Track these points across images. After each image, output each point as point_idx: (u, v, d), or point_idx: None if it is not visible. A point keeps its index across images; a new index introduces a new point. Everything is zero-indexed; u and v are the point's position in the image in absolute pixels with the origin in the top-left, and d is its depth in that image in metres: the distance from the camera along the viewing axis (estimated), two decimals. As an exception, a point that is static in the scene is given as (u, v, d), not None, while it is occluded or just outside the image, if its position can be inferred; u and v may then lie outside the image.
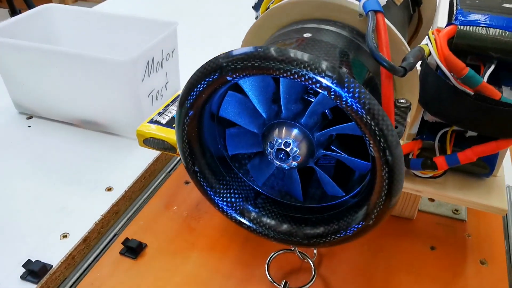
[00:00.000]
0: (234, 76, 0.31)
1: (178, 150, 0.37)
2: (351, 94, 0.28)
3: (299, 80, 0.29)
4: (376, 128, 0.29)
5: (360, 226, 0.34)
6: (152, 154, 0.62)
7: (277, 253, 0.48)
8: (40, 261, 0.46)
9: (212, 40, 0.97)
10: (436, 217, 0.55)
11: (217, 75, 0.31)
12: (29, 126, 0.68)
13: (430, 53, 0.38)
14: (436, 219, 0.54)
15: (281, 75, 0.29)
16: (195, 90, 0.33)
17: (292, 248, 0.47)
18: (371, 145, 0.30)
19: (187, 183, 0.59)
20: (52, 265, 0.46)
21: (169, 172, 0.62)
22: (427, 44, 0.38)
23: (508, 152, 0.66)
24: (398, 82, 0.40)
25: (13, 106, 0.70)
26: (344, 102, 0.29)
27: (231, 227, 0.53)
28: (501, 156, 0.45)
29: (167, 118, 0.50)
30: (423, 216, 0.55)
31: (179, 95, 0.39)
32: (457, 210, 0.55)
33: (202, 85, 0.32)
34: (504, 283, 0.47)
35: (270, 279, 0.45)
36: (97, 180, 0.58)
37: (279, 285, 0.44)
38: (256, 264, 0.48)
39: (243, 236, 0.52)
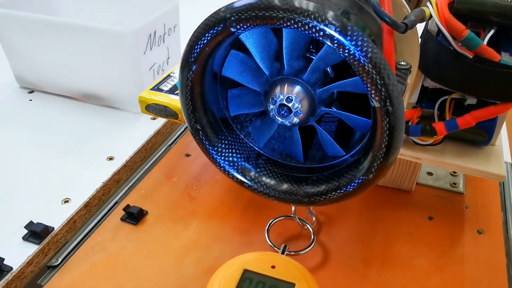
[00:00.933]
0: (238, 27, 0.31)
1: (181, 107, 0.38)
2: (354, 42, 0.29)
3: (302, 29, 0.29)
4: (378, 77, 0.29)
5: (360, 181, 0.34)
6: (153, 127, 0.63)
7: (277, 219, 0.48)
8: (42, 223, 0.46)
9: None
10: (434, 190, 0.55)
11: (221, 27, 0.32)
12: (30, 100, 0.68)
13: (430, 16, 0.38)
14: (435, 192, 0.55)
15: (284, 25, 0.30)
16: (199, 43, 0.33)
17: (292, 215, 0.48)
18: (373, 95, 0.30)
19: (187, 155, 0.60)
20: (54, 227, 0.46)
21: (170, 145, 0.63)
22: (428, 7, 0.39)
23: (504, 127, 0.67)
24: (399, 46, 0.40)
25: (15, 81, 0.70)
26: (347, 51, 0.29)
27: (231, 197, 0.53)
28: (499, 124, 0.45)
29: (169, 86, 0.50)
30: (422, 188, 0.55)
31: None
32: (455, 184, 0.56)
33: (206, 38, 0.33)
34: (500, 251, 0.48)
35: (270, 243, 0.46)
36: (98, 150, 0.58)
37: (279, 249, 0.45)
38: (256, 231, 0.49)
39: (242, 205, 0.52)
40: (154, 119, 0.64)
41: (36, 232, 0.45)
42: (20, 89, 0.71)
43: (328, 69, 0.36)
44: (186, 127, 0.67)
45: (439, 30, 0.39)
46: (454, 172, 0.57)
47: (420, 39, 0.42)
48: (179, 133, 0.65)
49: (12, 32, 0.64)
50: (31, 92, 0.70)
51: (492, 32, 0.39)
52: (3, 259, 0.42)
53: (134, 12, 0.69)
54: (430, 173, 0.57)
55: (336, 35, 0.29)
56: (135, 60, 0.60)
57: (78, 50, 0.61)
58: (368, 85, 0.30)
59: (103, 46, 0.59)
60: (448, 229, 0.50)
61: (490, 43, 0.39)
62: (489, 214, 0.52)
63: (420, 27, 0.41)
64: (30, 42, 0.64)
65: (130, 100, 0.63)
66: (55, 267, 0.45)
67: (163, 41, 0.64)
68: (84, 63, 0.62)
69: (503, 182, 0.57)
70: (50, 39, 0.62)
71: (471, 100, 0.44)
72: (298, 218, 0.48)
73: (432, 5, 0.38)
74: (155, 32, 0.62)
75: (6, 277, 0.42)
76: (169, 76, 0.53)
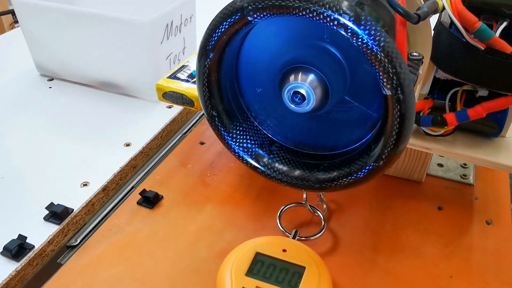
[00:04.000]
0: (255, 16, 0.32)
1: (198, 94, 0.39)
2: (367, 31, 0.30)
3: (317, 18, 0.30)
4: (390, 66, 0.30)
5: (371, 167, 0.35)
6: (169, 115, 0.64)
7: (288, 206, 0.49)
8: (62, 204, 0.48)
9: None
10: (444, 181, 0.56)
11: (238, 16, 0.33)
12: (50, 87, 0.70)
13: (443, 8, 0.39)
14: (445, 183, 0.56)
15: (300, 14, 0.31)
16: (217, 31, 0.34)
17: (304, 202, 0.49)
18: (384, 83, 0.31)
19: (202, 143, 0.61)
20: (73, 209, 0.48)
21: (185, 133, 0.64)
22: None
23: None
24: (412, 37, 0.41)
25: (35, 68, 0.72)
26: (360, 40, 0.30)
27: (244, 184, 0.55)
28: (510, 116, 0.46)
29: (186, 75, 0.52)
30: (432, 179, 0.56)
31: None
32: (465, 175, 0.56)
33: (223, 26, 0.34)
34: (509, 241, 0.48)
35: (281, 228, 0.47)
36: (116, 136, 0.60)
37: (290, 234, 0.46)
38: (268, 218, 0.50)
39: (255, 192, 0.53)
40: (170, 107, 0.66)
41: (56, 213, 0.47)
42: (40, 77, 0.73)
43: (342, 58, 0.37)
44: (201, 116, 0.68)
45: (452, 22, 0.40)
46: (465, 164, 0.58)
47: (433, 31, 0.42)
48: (193, 122, 0.66)
49: (33, 20, 0.66)
50: (51, 80, 0.72)
51: (504, 24, 0.40)
52: (26, 237, 0.44)
53: (152, 4, 0.71)
54: (440, 165, 0.58)
55: (350, 24, 0.30)
56: (152, 49, 0.61)
57: (97, 39, 0.63)
58: (380, 73, 0.31)
59: (121, 35, 0.61)
60: (457, 219, 0.51)
61: (503, 35, 0.40)
62: (498, 206, 0.53)
63: (433, 20, 0.41)
64: (50, 31, 0.66)
65: (146, 89, 0.65)
66: (74, 247, 0.47)
67: (180, 31, 0.66)
68: (103, 52, 0.64)
69: (513, 174, 0.58)
70: (70, 28, 0.63)
71: (483, 92, 0.45)
72: (309, 205, 0.49)
73: (445, -3, 0.39)
74: (172, 22, 0.63)
75: (29, 254, 0.43)
76: (185, 65, 0.55)
